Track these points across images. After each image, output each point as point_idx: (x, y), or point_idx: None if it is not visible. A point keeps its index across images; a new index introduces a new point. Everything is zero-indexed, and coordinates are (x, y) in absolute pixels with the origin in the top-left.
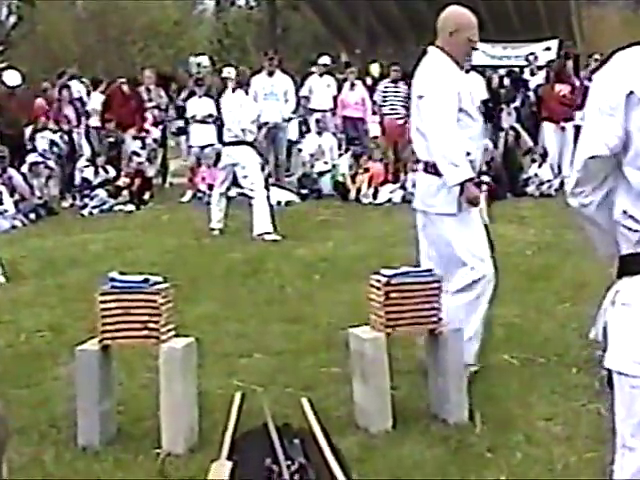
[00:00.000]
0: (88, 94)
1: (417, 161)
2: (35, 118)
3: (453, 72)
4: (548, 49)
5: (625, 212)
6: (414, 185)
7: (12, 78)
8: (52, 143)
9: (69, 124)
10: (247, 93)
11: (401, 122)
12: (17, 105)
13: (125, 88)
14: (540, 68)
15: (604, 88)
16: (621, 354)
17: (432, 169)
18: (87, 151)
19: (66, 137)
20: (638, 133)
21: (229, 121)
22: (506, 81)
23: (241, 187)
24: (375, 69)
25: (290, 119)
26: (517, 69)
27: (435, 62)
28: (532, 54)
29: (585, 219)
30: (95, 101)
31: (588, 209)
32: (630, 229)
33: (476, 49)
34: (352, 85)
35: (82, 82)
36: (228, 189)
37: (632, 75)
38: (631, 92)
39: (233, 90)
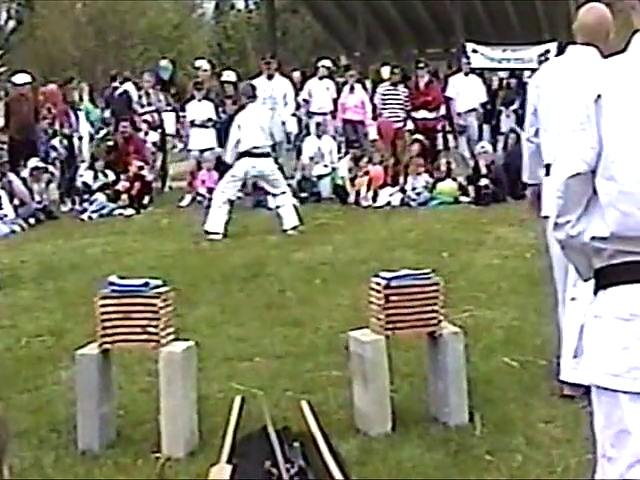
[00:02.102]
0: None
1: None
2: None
3: None
4: (547, 52)
5: (594, 237)
6: (413, 188)
7: (21, 77)
8: (52, 147)
9: (70, 128)
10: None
11: (400, 125)
12: (28, 109)
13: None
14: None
15: (572, 106)
16: (595, 367)
17: None
18: (87, 156)
19: (65, 142)
20: (609, 139)
21: (254, 133)
22: (512, 82)
23: (267, 192)
24: (386, 72)
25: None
26: (518, 72)
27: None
28: (547, 52)
29: (573, 251)
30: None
31: (577, 240)
32: (600, 248)
33: None
34: (352, 88)
35: (135, 84)
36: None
37: (598, 80)
38: (599, 96)
39: (243, 105)
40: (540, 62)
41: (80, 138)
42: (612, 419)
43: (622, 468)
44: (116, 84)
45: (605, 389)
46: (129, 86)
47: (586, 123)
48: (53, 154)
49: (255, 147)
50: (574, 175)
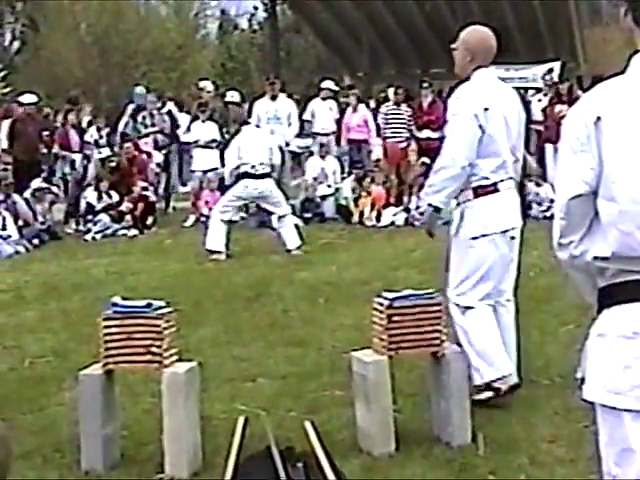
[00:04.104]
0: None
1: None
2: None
3: None
4: (551, 70)
5: (596, 257)
6: (417, 207)
7: (28, 97)
8: (72, 164)
9: (89, 148)
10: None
11: (403, 145)
12: (34, 130)
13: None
14: (539, 90)
15: (572, 128)
16: (598, 385)
17: None
18: (92, 177)
19: (85, 161)
20: (609, 160)
21: (253, 154)
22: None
23: (269, 213)
24: (392, 93)
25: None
26: (522, 91)
27: None
28: (551, 70)
29: (577, 271)
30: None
31: (580, 260)
32: (602, 267)
33: None
34: (354, 108)
35: (177, 104)
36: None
37: (598, 102)
38: (598, 118)
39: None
40: (545, 81)
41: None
42: (615, 437)
43: None
44: (159, 104)
45: (608, 407)
46: (171, 106)
47: (586, 144)
48: (67, 170)
49: (255, 168)
50: (576, 196)
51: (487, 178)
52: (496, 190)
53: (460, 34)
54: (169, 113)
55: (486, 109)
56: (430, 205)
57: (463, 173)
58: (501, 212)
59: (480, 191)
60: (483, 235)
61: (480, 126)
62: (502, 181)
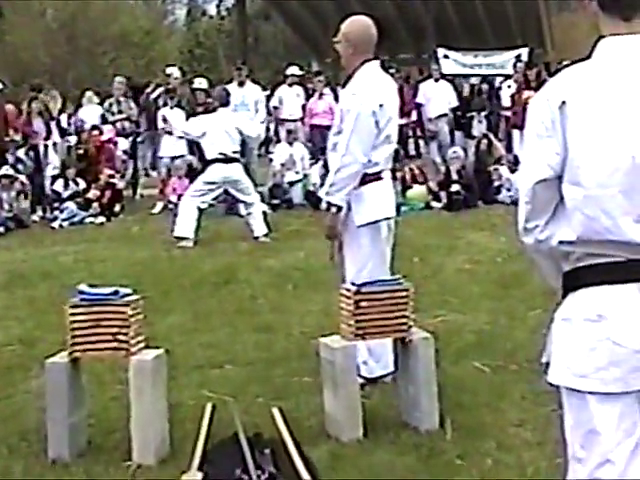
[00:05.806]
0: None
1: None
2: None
3: None
4: (519, 57)
5: (562, 242)
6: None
7: None
8: (17, 160)
9: (37, 137)
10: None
11: None
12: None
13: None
14: (509, 77)
15: (538, 112)
16: (563, 368)
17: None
18: (56, 163)
19: (32, 153)
20: (574, 145)
21: (223, 139)
22: (484, 87)
23: (236, 199)
24: None
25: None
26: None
27: None
28: (519, 57)
29: (541, 256)
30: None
31: (545, 244)
32: (567, 251)
33: None
34: (320, 94)
35: (167, 90)
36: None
37: (563, 87)
38: (563, 103)
39: (214, 109)
40: (515, 68)
41: (46, 147)
42: (581, 420)
43: (591, 468)
44: (149, 90)
45: (573, 390)
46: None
47: (551, 129)
48: (19, 166)
49: (224, 153)
50: (541, 181)
51: (376, 165)
52: (380, 178)
53: (340, 27)
54: (158, 98)
55: (381, 105)
56: (334, 205)
57: (362, 169)
58: (385, 199)
59: (366, 179)
60: (371, 222)
61: (377, 122)
62: (386, 170)
